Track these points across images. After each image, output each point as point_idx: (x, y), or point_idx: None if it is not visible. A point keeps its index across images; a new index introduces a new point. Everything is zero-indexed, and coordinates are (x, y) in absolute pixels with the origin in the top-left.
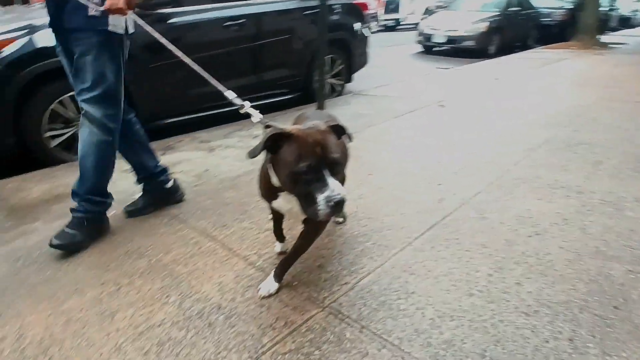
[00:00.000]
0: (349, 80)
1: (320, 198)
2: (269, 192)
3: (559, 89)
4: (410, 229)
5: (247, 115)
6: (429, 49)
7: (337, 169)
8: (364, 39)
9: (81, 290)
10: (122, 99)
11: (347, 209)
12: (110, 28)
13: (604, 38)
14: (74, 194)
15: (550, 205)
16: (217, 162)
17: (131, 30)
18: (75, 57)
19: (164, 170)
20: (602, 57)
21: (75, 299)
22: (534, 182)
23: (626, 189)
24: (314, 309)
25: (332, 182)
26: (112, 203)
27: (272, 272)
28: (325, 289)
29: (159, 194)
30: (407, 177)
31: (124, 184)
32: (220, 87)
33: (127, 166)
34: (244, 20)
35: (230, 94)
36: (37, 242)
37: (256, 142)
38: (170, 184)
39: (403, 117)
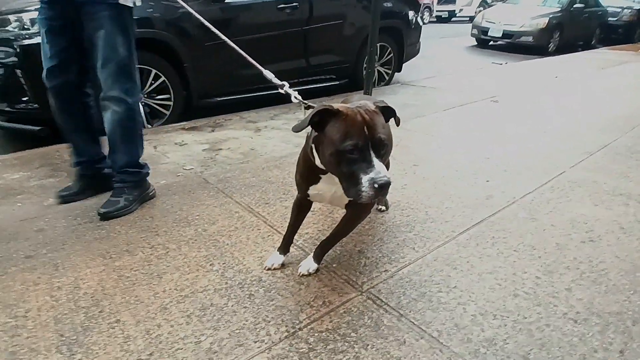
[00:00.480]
0: (398, 69)
1: (365, 179)
2: (310, 175)
3: (622, 93)
4: (455, 223)
5: (290, 99)
6: (484, 43)
7: (384, 150)
8: (417, 29)
9: (132, 250)
10: (137, 72)
11: (390, 197)
12: (121, 1)
13: None
14: (111, 168)
15: (607, 212)
16: (263, 142)
17: (138, 3)
18: (86, 32)
19: (104, 157)
20: None
21: (126, 258)
22: (590, 186)
23: None
24: (353, 292)
25: (377, 163)
26: (154, 171)
27: (312, 253)
28: (364, 274)
29: (96, 180)
30: (454, 171)
31: (176, 155)
32: (260, 67)
33: (178, 139)
34: (297, 3)
35: (268, 74)
36: (94, 203)
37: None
38: (107, 170)
39: (453, 110)
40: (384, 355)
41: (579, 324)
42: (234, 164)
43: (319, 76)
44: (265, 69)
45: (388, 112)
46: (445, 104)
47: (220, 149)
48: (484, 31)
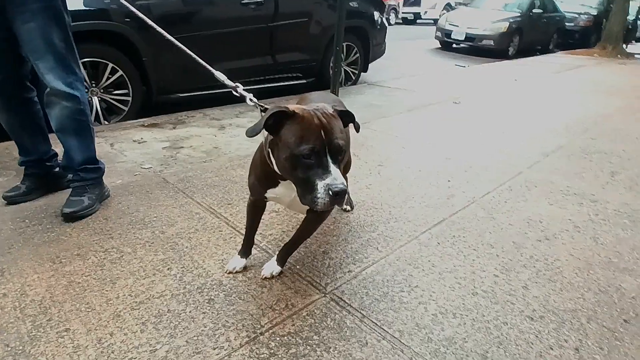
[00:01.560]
0: (364, 69)
1: (320, 185)
2: (267, 179)
3: (577, 96)
4: (417, 222)
5: (245, 100)
6: (448, 45)
7: (341, 156)
8: (382, 29)
9: (84, 255)
10: (78, 64)
11: (355, 197)
12: None
13: (629, 48)
14: (66, 168)
15: (562, 211)
16: (227, 140)
17: None
18: (16, 26)
19: (55, 155)
20: (626, 67)
21: (77, 262)
22: (546, 186)
23: None
24: (316, 294)
25: (334, 169)
26: (109, 170)
27: (276, 255)
28: (328, 275)
29: (47, 179)
30: (417, 171)
31: (134, 153)
32: (210, 69)
33: (136, 137)
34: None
35: (220, 75)
36: (43, 204)
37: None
38: (57, 168)
39: (416, 111)
40: (346, 357)
41: (535, 322)
42: (196, 162)
43: (285, 74)
44: (231, 65)
45: (347, 117)
46: (410, 105)
47: (182, 147)
48: (447, 34)
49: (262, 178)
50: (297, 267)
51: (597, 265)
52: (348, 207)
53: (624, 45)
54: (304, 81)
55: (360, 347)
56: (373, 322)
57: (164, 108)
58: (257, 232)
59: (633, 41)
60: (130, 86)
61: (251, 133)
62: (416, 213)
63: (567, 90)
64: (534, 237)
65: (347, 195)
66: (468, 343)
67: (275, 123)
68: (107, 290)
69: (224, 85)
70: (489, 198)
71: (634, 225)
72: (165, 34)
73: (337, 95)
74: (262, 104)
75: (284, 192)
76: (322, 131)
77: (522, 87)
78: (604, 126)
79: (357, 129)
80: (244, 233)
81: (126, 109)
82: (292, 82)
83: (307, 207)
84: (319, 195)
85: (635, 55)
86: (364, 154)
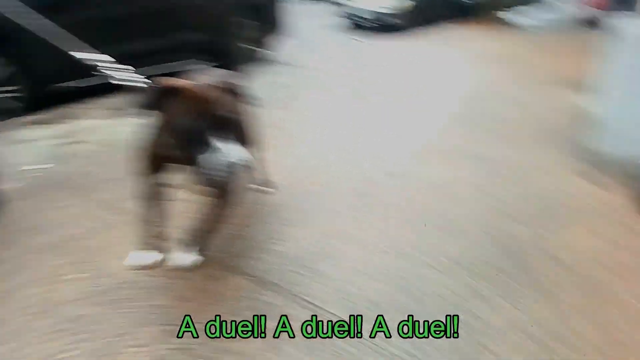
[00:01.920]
0: (268, 47)
1: (211, 160)
2: (157, 163)
3: (470, 66)
4: (335, 197)
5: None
6: (351, 22)
7: (231, 130)
8: (285, 6)
9: None
10: None
11: (273, 178)
12: None
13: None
14: None
15: (463, 174)
16: (122, 130)
17: None
18: None
19: None
20: (512, 37)
21: None
22: (447, 152)
23: (528, 158)
24: (238, 278)
25: (224, 143)
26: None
27: (191, 245)
28: (248, 257)
29: None
30: (330, 148)
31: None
32: (87, 56)
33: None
34: None
35: (97, 57)
36: None
37: None
38: None
39: (324, 88)
40: (270, 332)
41: (444, 276)
42: (93, 156)
43: (188, 54)
44: (126, 47)
45: (238, 90)
46: (317, 82)
47: (76, 142)
48: (351, 11)
49: (152, 162)
50: (217, 253)
51: (493, 217)
52: (270, 189)
53: (503, 15)
54: (208, 61)
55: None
56: (294, 294)
57: (53, 101)
58: (171, 223)
59: (513, 11)
60: (14, 81)
61: (136, 112)
62: (332, 188)
63: (460, 61)
64: (441, 199)
65: (268, 179)
66: (387, 302)
67: (159, 99)
68: (9, 304)
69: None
70: (397, 167)
71: (521, 179)
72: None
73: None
74: (146, 81)
75: (179, 175)
76: (208, 105)
77: (419, 60)
78: (494, 93)
79: (253, 102)
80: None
81: (10, 106)
82: (193, 64)
83: (211, 190)
84: (211, 170)
85: (518, 25)
86: (277, 136)
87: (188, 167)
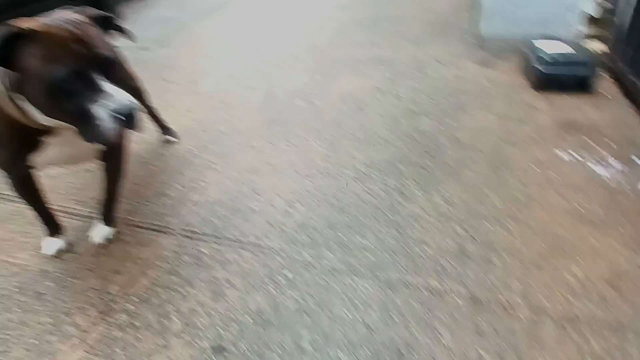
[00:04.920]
0: None
1: (100, 111)
2: (23, 143)
3: None
4: (247, 131)
5: None
6: None
7: (114, 71)
8: None
9: None
10: None
11: (176, 125)
12: None
13: None
14: None
15: (367, 80)
16: None
17: None
18: None
19: None
20: None
21: None
22: (349, 61)
23: (426, 53)
24: (163, 238)
25: (112, 88)
26: None
27: (101, 218)
28: (171, 215)
29: None
30: (232, 79)
31: None
32: None
33: None
34: None
35: None
36: None
37: None
38: None
39: (215, 14)
40: (211, 282)
41: (364, 181)
42: None
43: None
44: None
45: (106, 22)
46: (205, 10)
47: None
48: None
49: (15, 144)
50: (134, 219)
51: (401, 116)
52: (173, 138)
53: None
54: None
55: (222, 267)
56: (229, 239)
57: None
58: (70, 201)
59: None
60: None
61: None
62: (244, 122)
63: None
64: (350, 109)
65: (167, 127)
66: (316, 221)
67: (6, 51)
68: None
69: None
70: (304, 87)
71: (422, 74)
72: None
73: (119, 15)
74: None
75: (55, 151)
76: (78, 44)
77: None
78: None
79: (126, 33)
80: (53, 209)
81: None
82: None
83: (96, 154)
84: (103, 124)
85: None
86: (174, 76)
87: (73, 126)
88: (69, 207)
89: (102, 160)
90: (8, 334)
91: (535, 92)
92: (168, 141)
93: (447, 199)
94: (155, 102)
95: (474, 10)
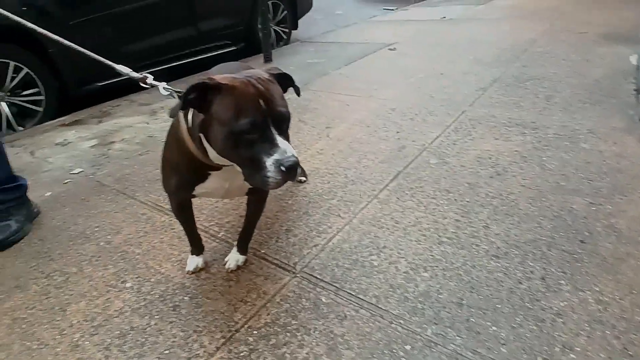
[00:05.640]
0: (294, 26)
1: (270, 162)
2: (193, 175)
3: (503, 25)
4: (374, 181)
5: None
6: None
7: (286, 125)
8: None
9: (24, 285)
10: None
11: (308, 165)
12: None
13: None
14: None
15: (507, 144)
16: (161, 127)
17: None
18: None
19: (16, 177)
20: None
21: (18, 295)
22: (489, 121)
23: (579, 122)
24: (286, 276)
25: (281, 142)
26: (34, 183)
27: (236, 245)
28: (295, 253)
29: (23, 207)
30: (366, 127)
31: (60, 158)
32: (111, 64)
33: (59, 138)
34: None
35: (124, 69)
36: None
37: None
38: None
39: (355, 64)
40: (327, 335)
41: (500, 259)
42: (132, 157)
43: (211, 43)
44: (149, 42)
45: (285, 80)
46: (347, 58)
47: (113, 142)
48: None
49: (186, 174)
50: (262, 251)
51: (548, 191)
52: (303, 178)
53: None
54: (234, 48)
55: (339, 321)
56: (348, 292)
57: (85, 101)
58: (212, 223)
59: None
60: (40, 83)
61: (173, 112)
62: (372, 171)
63: (492, 20)
64: (486, 174)
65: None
66: (443, 294)
67: (199, 98)
68: (58, 320)
69: (157, 62)
70: (438, 143)
71: (574, 145)
72: (49, 34)
73: (271, 59)
74: (178, 90)
75: (216, 185)
76: (261, 100)
77: (451, 25)
78: (532, 52)
79: (298, 92)
80: (198, 228)
81: (41, 109)
82: (220, 52)
83: (246, 189)
84: (269, 173)
85: None
86: (309, 118)
87: (242, 170)
88: (209, 228)
89: (248, 194)
90: (146, 338)
91: None
92: (299, 180)
93: (599, 299)
94: (290, 140)
95: (638, 80)
